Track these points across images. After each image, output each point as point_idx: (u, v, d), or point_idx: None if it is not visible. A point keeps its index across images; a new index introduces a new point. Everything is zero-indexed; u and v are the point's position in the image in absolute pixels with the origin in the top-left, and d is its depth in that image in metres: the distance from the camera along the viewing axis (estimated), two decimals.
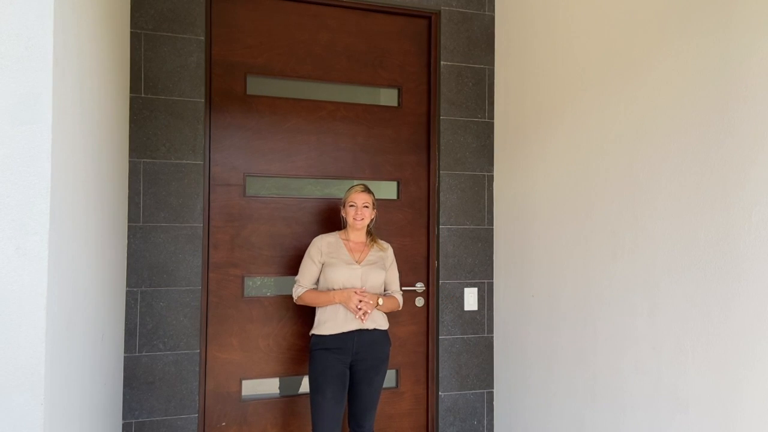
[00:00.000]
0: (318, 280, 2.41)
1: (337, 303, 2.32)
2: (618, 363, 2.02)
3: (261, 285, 2.73)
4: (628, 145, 2.00)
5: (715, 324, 1.62)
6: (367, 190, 2.43)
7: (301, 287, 2.40)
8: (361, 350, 2.34)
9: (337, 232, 2.49)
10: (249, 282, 2.70)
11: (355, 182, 2.68)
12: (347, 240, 2.45)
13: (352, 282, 2.34)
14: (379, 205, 2.79)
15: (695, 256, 1.69)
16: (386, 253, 2.50)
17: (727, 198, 1.58)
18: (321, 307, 2.37)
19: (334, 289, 2.33)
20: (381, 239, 2.60)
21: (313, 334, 2.38)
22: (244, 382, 2.66)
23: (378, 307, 2.38)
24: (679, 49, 1.77)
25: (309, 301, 2.39)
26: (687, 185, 1.73)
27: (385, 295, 2.46)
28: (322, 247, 2.41)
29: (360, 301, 2.29)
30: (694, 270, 1.70)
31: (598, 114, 2.16)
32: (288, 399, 2.73)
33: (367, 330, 2.35)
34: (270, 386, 2.73)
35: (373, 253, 2.45)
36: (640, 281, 1.92)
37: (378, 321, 2.39)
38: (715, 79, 1.64)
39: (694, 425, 1.68)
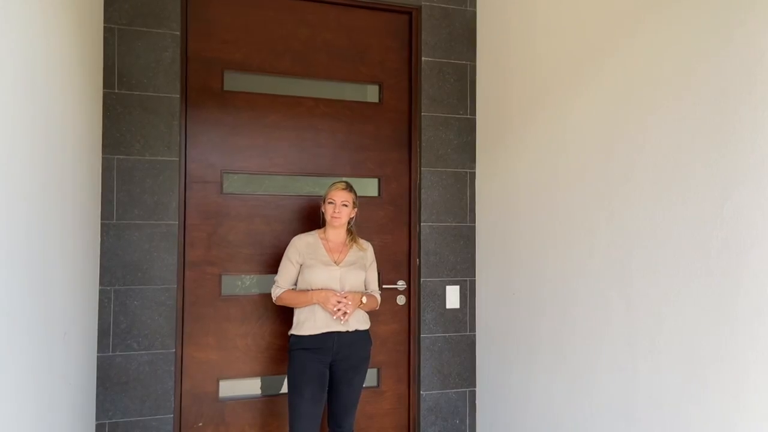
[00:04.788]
0: (297, 280, 2.38)
1: (315, 303, 2.28)
2: (595, 361, 2.00)
3: (239, 283, 2.70)
4: (604, 141, 1.97)
5: (687, 321, 1.59)
6: (349, 188, 2.38)
7: (280, 288, 2.37)
8: (341, 350, 2.30)
9: (316, 231, 2.45)
10: (227, 280, 2.66)
11: (342, 179, 2.60)
12: (326, 240, 2.41)
13: (331, 283, 2.31)
14: (360, 202, 2.75)
15: (668, 251, 1.66)
16: (366, 252, 2.46)
17: (699, 193, 1.56)
18: (296, 306, 2.34)
19: (312, 290, 2.30)
20: (362, 237, 2.57)
21: (291, 335, 2.35)
22: (222, 382, 2.62)
23: (360, 306, 2.34)
24: (652, 40, 1.74)
25: (287, 302, 2.36)
26: (660, 181, 1.70)
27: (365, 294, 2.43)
28: (300, 247, 2.37)
29: (339, 302, 2.26)
30: (667, 266, 1.67)
31: (574, 109, 2.14)
32: (267, 399, 2.70)
33: (347, 330, 2.31)
34: (248, 386, 2.70)
35: (353, 253, 2.42)
36: (616, 278, 1.89)
37: (359, 321, 2.35)
38: (689, 72, 1.61)
39: (668, 423, 1.65)
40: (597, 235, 2.00)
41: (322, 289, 2.28)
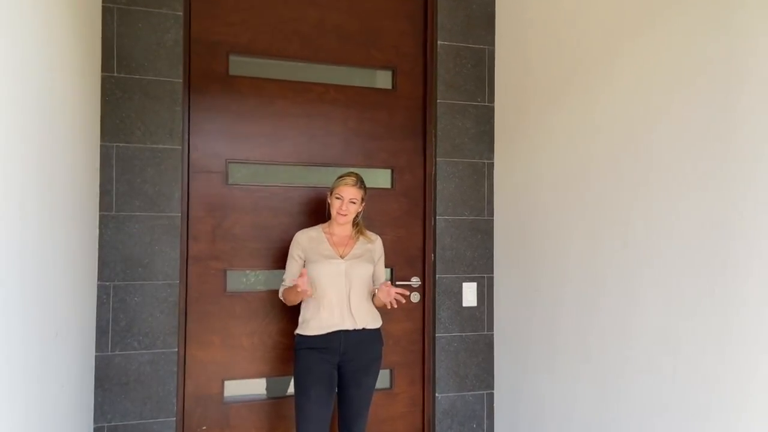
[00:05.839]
0: None
1: (301, 294, 2.09)
2: (629, 363, 1.84)
3: (245, 279, 2.56)
4: (639, 125, 1.82)
5: (739, 321, 1.44)
6: (359, 183, 2.23)
7: (283, 286, 2.26)
8: (348, 350, 2.17)
9: (320, 225, 2.31)
10: (232, 276, 2.52)
11: (351, 171, 2.43)
12: (331, 234, 2.27)
13: (336, 278, 2.17)
14: (373, 194, 2.62)
15: (717, 244, 1.51)
16: (374, 245, 2.32)
17: (754, 178, 1.40)
18: (292, 303, 2.23)
19: (317, 288, 2.17)
20: (374, 231, 2.43)
21: (297, 334, 2.21)
22: (227, 383, 2.49)
23: (376, 302, 2.23)
24: (690, 16, 1.58)
25: (285, 300, 2.25)
26: (708, 166, 1.55)
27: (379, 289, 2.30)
28: (303, 242, 2.24)
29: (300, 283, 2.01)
30: (716, 260, 1.51)
31: (605, 93, 1.98)
32: (274, 401, 2.56)
33: (354, 329, 2.17)
34: (255, 387, 2.56)
35: (359, 246, 2.28)
36: (653, 273, 1.74)
37: (368, 319, 2.22)
38: (735, 46, 1.45)
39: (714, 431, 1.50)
40: (631, 228, 1.84)
41: (326, 285, 2.16)
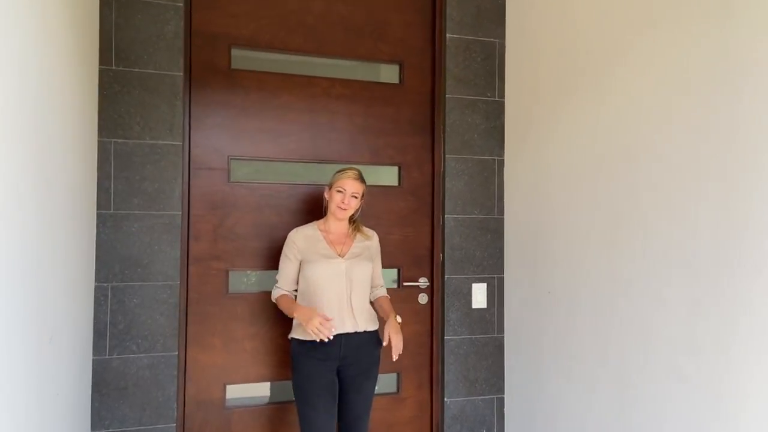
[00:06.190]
0: (299, 279, 2.15)
1: (299, 315, 2.02)
2: (649, 365, 1.76)
3: (247, 280, 2.47)
4: (659, 119, 1.73)
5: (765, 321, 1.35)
6: (361, 178, 2.14)
7: (278, 289, 2.16)
8: (348, 355, 2.08)
9: (315, 222, 2.22)
10: (234, 276, 2.44)
11: (353, 166, 2.36)
12: (327, 231, 2.17)
13: (336, 278, 2.07)
14: (379, 192, 2.55)
15: (742, 244, 1.42)
16: (372, 241, 2.23)
17: (762, 177, 1.32)
18: (286, 314, 2.14)
19: (316, 290, 2.07)
20: (380, 230, 2.35)
21: (292, 338, 2.12)
22: (229, 388, 2.41)
23: (394, 322, 2.14)
24: (705, 11, 1.50)
25: (281, 308, 2.15)
26: (735, 161, 1.46)
27: (379, 297, 2.24)
28: (298, 241, 2.13)
29: (321, 325, 1.93)
30: (742, 260, 1.43)
31: (618, 88, 1.90)
32: (278, 406, 2.47)
33: (355, 332, 2.09)
34: (257, 392, 2.48)
35: (358, 244, 2.19)
36: (677, 273, 1.65)
37: (367, 321, 2.13)
38: (746, 43, 1.37)
39: None
40: (653, 226, 1.76)
41: (325, 289, 2.06)
